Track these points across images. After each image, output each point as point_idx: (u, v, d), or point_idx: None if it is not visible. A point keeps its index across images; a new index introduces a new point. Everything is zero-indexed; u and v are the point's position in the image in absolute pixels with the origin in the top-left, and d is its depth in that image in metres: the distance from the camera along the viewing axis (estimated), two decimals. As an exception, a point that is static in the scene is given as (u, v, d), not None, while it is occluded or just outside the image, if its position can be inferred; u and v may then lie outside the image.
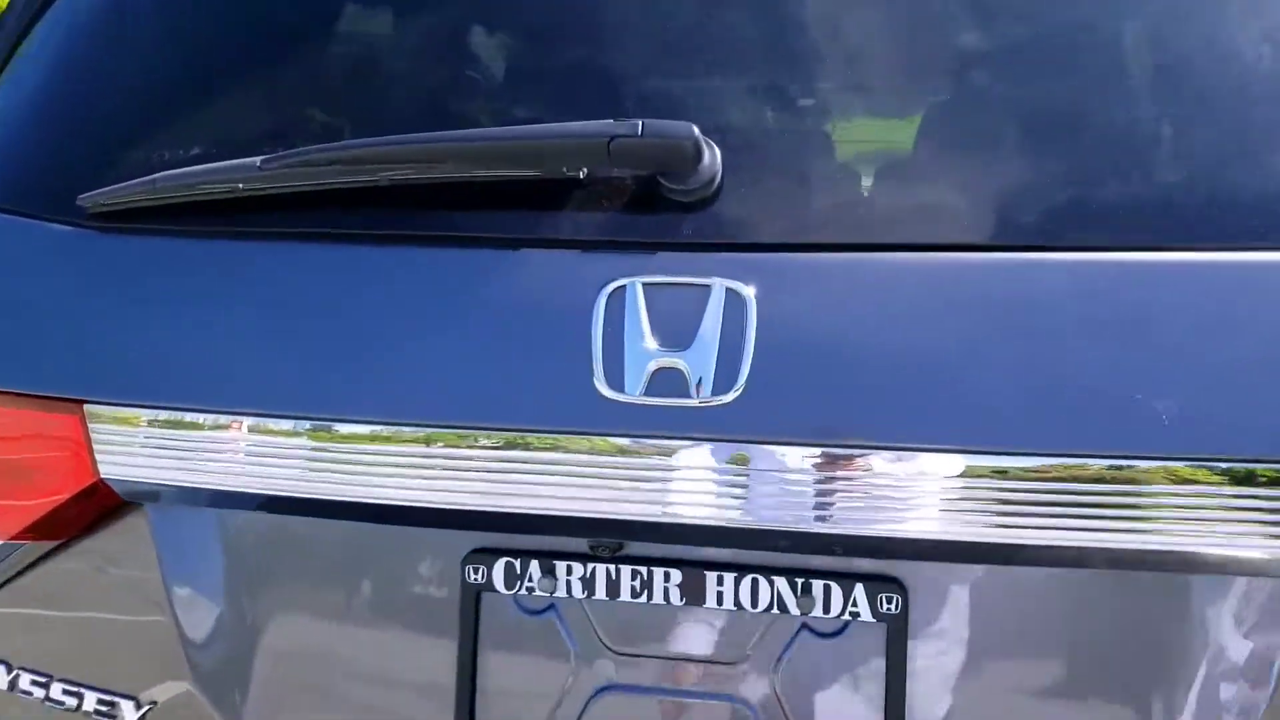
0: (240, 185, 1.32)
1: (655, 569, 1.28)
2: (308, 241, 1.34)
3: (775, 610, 1.26)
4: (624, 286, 1.23)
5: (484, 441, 1.25)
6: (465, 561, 1.31)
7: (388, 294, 1.30)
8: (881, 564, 1.25)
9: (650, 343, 1.21)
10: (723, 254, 1.23)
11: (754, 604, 1.26)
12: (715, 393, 1.19)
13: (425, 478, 1.27)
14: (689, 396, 1.20)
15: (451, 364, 1.26)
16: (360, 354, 1.29)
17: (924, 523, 1.19)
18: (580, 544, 1.28)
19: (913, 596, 1.24)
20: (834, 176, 1.27)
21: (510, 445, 1.24)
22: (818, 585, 1.26)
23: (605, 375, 1.21)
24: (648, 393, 1.20)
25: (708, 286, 1.22)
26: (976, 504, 1.17)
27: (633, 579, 1.28)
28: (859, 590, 1.25)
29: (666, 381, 1.20)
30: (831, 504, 1.19)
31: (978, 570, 1.24)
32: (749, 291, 1.21)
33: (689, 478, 1.21)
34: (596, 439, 1.22)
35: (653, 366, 1.21)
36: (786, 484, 1.20)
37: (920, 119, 1.27)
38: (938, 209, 1.21)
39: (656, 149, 1.20)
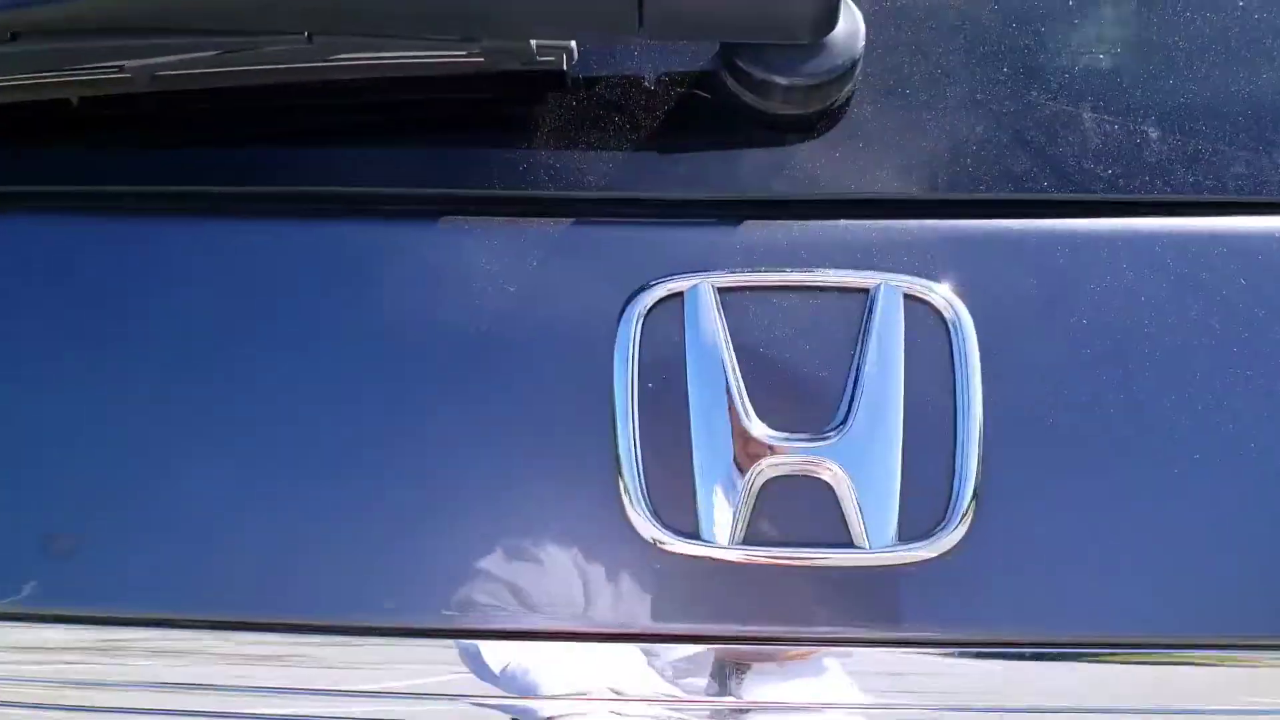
0: None
1: None
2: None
3: None
4: (679, 295, 0.55)
5: (374, 662, 0.55)
6: None
7: (145, 311, 0.59)
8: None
9: (747, 420, 0.54)
10: (886, 221, 0.57)
11: None
12: (905, 539, 0.52)
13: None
14: (846, 547, 0.53)
15: (302, 489, 0.56)
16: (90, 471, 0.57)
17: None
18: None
19: None
20: (1099, 66, 0.62)
21: (437, 667, 0.54)
22: None
23: (648, 499, 0.53)
24: (751, 539, 0.53)
25: (864, 290, 0.55)
26: None
27: None
28: None
29: (792, 510, 0.53)
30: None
31: None
32: (953, 301, 0.55)
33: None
34: (633, 650, 0.54)
35: (758, 475, 0.53)
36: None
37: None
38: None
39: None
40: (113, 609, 0.55)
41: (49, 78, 0.62)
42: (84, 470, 0.55)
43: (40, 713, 0.59)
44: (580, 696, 0.53)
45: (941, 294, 0.55)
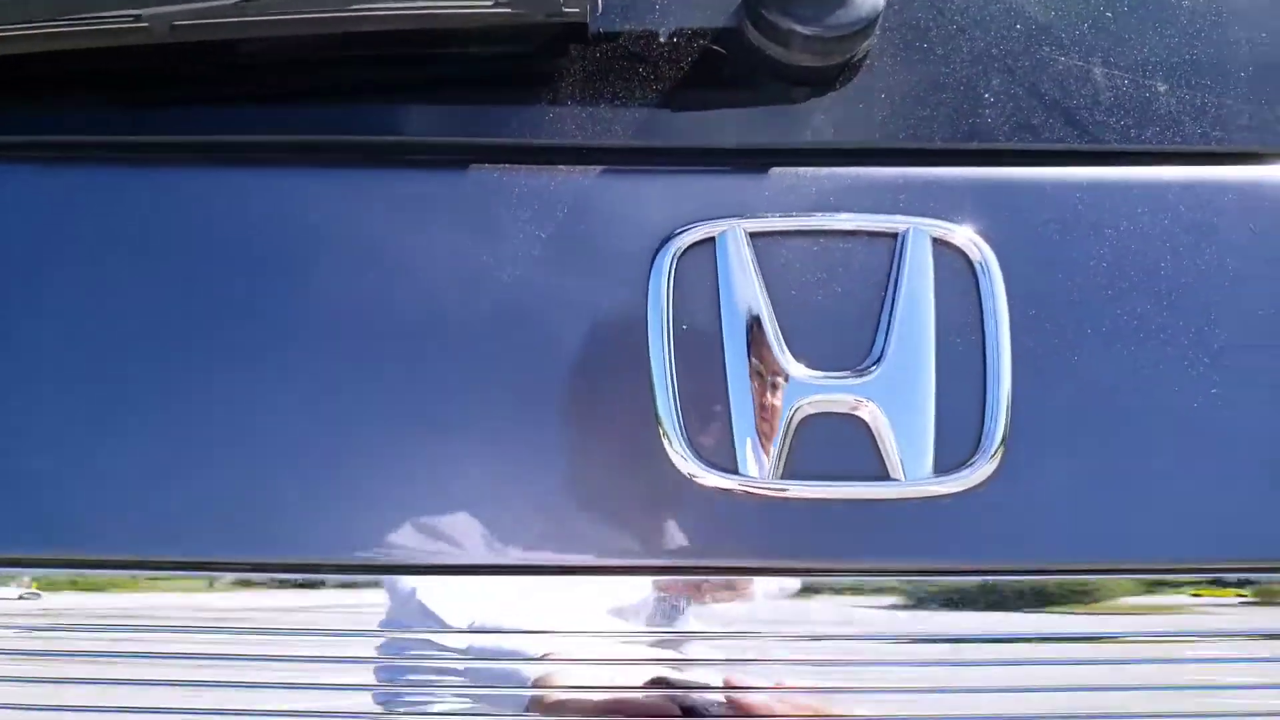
0: None
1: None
2: None
3: None
4: (710, 240, 0.56)
5: (416, 598, 0.54)
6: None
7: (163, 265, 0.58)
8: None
9: (783, 358, 0.54)
10: (910, 169, 0.59)
11: None
12: (941, 470, 0.54)
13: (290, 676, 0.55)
14: (883, 480, 0.54)
15: (333, 434, 0.55)
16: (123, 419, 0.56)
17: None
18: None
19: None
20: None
21: (482, 601, 0.54)
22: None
23: (686, 437, 0.54)
24: (789, 473, 0.54)
25: (893, 234, 0.56)
26: None
27: None
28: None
29: (828, 445, 0.54)
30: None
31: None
32: (979, 244, 0.56)
33: (880, 660, 0.55)
34: (677, 581, 0.54)
35: (795, 411, 0.54)
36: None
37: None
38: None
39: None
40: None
41: (57, 27, 0.61)
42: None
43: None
44: (618, 630, 0.53)
45: (968, 237, 0.57)
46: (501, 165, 0.58)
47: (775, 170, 0.59)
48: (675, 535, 0.54)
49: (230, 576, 0.54)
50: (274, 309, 0.56)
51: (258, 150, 0.60)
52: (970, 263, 0.56)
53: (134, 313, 0.56)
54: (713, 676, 0.54)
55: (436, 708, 0.55)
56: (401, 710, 0.55)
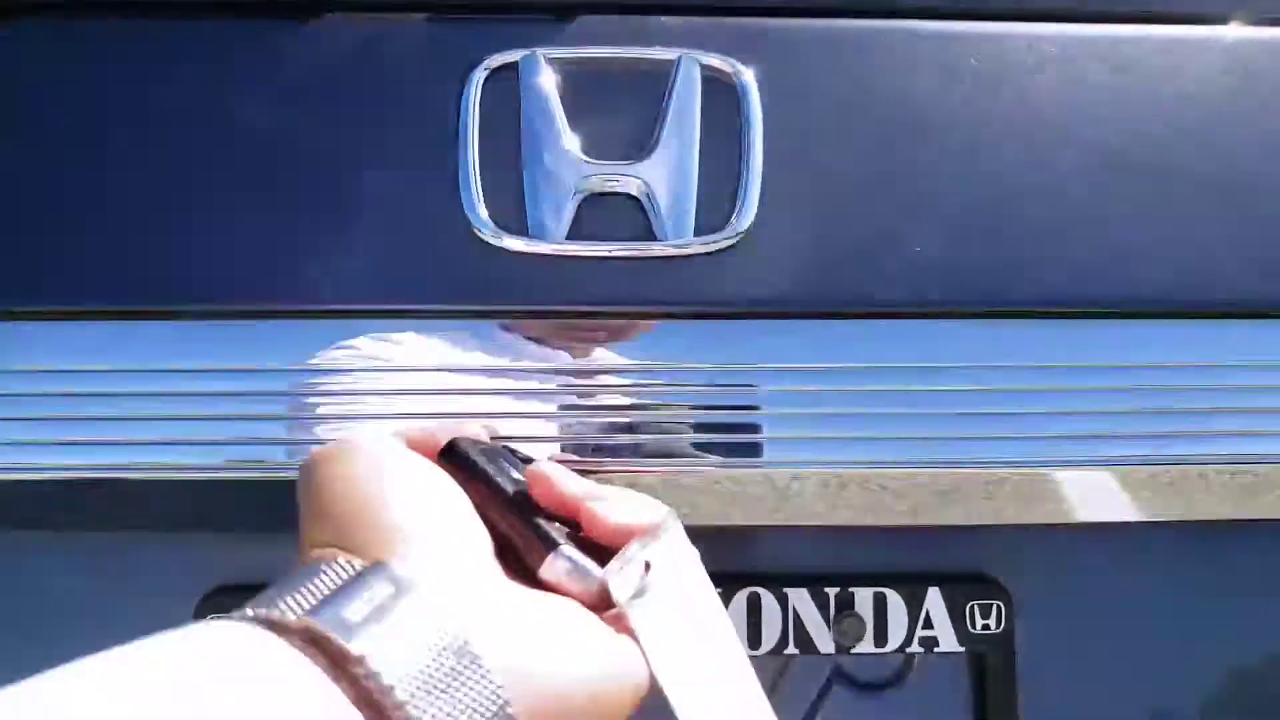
0: None
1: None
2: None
3: (791, 648, 0.70)
4: (513, 64, 0.67)
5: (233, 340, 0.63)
6: (202, 610, 0.68)
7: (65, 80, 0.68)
8: (968, 556, 0.73)
9: (572, 148, 0.65)
10: (687, 18, 0.70)
11: (754, 641, 0.71)
12: (699, 232, 0.64)
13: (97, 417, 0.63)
14: (649, 239, 0.64)
15: (189, 203, 0.65)
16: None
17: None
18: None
19: (1020, 610, 0.73)
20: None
21: (291, 342, 0.63)
22: (863, 597, 0.72)
23: (489, 210, 0.64)
24: (575, 236, 0.64)
25: (669, 63, 0.68)
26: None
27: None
28: (933, 600, 0.73)
29: (607, 216, 0.65)
30: (908, 438, 0.66)
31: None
32: (742, 71, 0.68)
33: (646, 389, 0.65)
34: (474, 324, 0.64)
35: (581, 188, 0.65)
36: (823, 402, 0.65)
37: None
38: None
39: None
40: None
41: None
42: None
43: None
44: (439, 367, 0.63)
45: (730, 63, 0.68)
46: (350, 14, 0.70)
47: (577, 18, 0.70)
48: (483, 288, 0.64)
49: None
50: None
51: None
52: (731, 81, 0.68)
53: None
54: (533, 405, 0.64)
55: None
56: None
